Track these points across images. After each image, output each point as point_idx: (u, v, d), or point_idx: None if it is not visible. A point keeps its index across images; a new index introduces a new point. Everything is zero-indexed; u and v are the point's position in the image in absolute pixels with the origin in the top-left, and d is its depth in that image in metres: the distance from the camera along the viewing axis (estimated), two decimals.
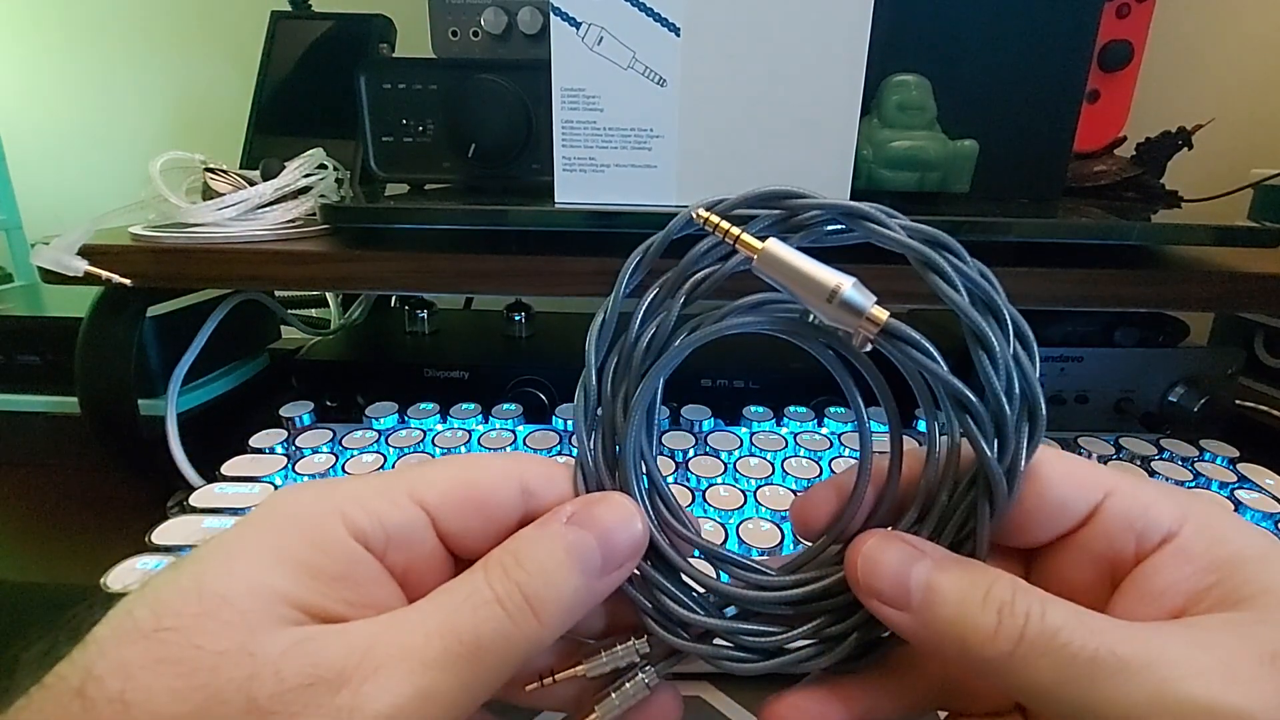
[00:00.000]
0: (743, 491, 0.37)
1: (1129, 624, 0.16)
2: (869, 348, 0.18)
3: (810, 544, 0.22)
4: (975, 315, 0.18)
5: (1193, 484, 0.40)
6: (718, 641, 0.20)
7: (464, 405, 0.46)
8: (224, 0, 0.71)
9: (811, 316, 0.20)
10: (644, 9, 0.35)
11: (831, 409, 0.46)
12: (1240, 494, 0.39)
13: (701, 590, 0.21)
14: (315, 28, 0.56)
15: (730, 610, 0.21)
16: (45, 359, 0.47)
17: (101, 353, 0.40)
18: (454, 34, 0.48)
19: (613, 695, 0.20)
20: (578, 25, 0.35)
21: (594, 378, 0.21)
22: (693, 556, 0.21)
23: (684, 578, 0.21)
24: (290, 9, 0.57)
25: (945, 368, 0.18)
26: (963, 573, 0.18)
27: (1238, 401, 0.52)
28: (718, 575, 0.21)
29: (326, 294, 0.65)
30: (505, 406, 0.45)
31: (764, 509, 0.36)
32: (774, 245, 0.18)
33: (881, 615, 0.18)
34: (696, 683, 0.29)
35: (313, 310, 0.70)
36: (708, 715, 0.28)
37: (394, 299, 0.67)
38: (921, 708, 0.21)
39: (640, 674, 0.20)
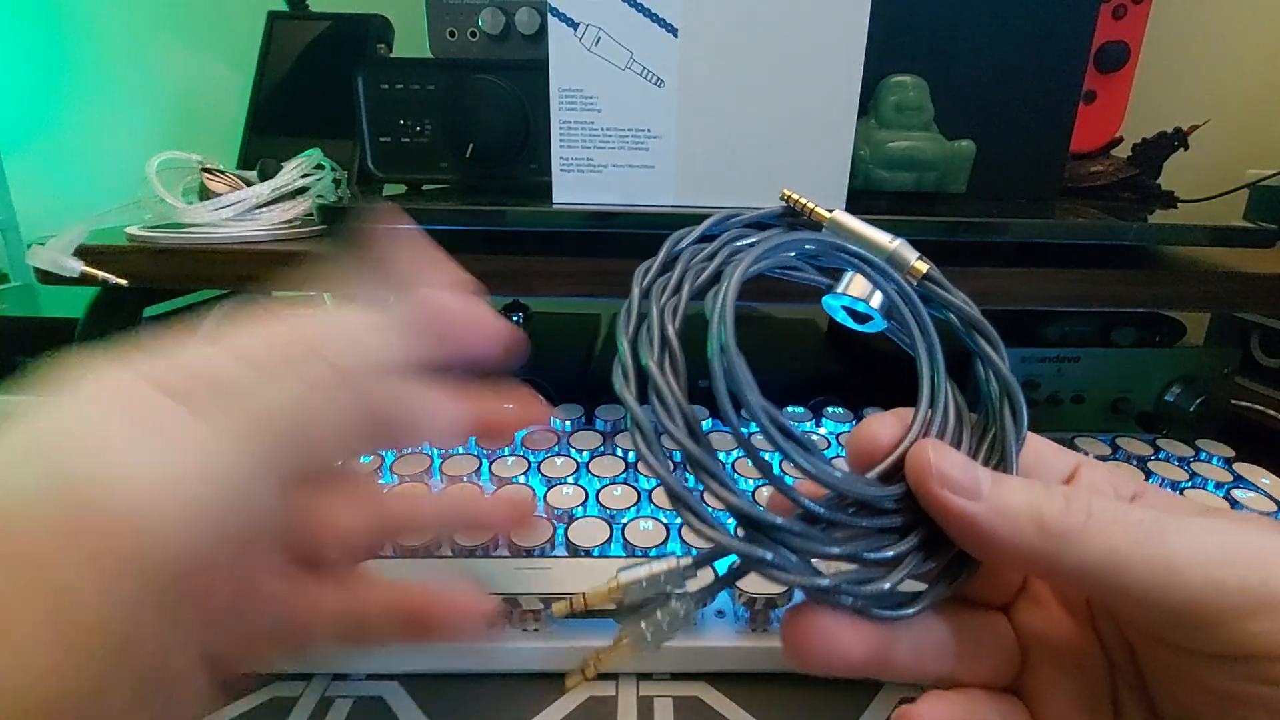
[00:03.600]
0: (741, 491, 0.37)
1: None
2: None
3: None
4: (976, 314, 0.22)
5: (1189, 484, 0.40)
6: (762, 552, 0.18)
7: None
8: (221, 0, 0.71)
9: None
10: (642, 9, 0.35)
11: (829, 409, 0.46)
12: (1236, 494, 0.39)
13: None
14: (312, 28, 0.56)
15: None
16: (42, 360, 0.47)
17: (98, 354, 0.40)
18: (451, 34, 0.48)
19: (642, 624, 0.18)
20: (575, 26, 0.35)
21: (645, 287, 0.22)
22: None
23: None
24: (287, 9, 0.57)
25: (970, 304, 0.22)
26: (1014, 477, 0.19)
27: (1234, 401, 0.52)
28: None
29: (324, 294, 0.65)
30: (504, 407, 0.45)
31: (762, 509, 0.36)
32: (840, 214, 0.24)
33: (952, 506, 0.18)
34: (695, 683, 0.29)
35: None
36: (707, 715, 0.28)
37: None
38: (926, 669, 0.20)
39: (674, 600, 0.18)
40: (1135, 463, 0.42)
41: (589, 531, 0.32)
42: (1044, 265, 0.36)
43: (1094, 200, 0.53)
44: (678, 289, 0.21)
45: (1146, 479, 0.40)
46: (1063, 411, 0.48)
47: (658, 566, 0.19)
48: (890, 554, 0.18)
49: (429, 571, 0.30)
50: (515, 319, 0.58)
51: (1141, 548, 0.16)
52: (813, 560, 0.18)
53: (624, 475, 0.38)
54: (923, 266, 0.23)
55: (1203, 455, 0.43)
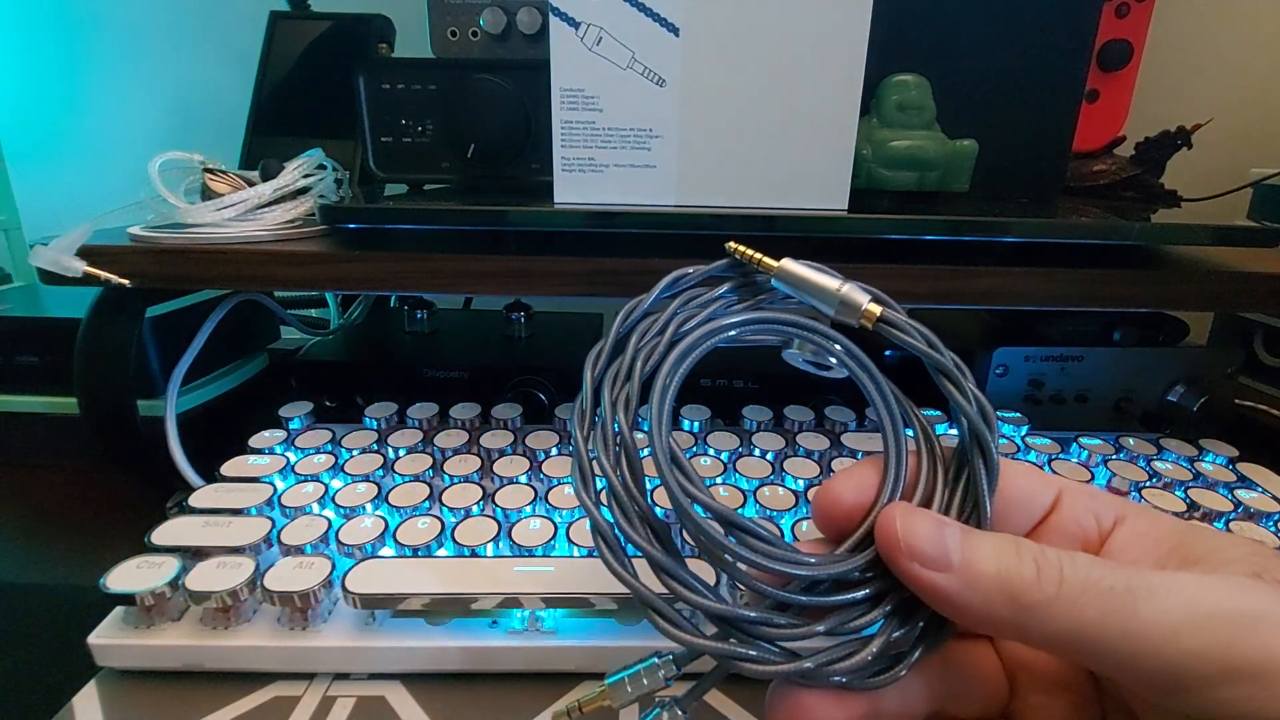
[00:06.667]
0: (743, 491, 0.37)
1: (1139, 568, 0.17)
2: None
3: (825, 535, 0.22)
4: (937, 356, 0.21)
5: (1192, 484, 0.40)
6: (732, 642, 0.18)
7: (464, 405, 0.46)
8: (223, 0, 0.71)
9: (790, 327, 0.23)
10: (643, 9, 0.35)
11: (830, 409, 0.46)
12: (1240, 494, 0.39)
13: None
14: (314, 28, 0.56)
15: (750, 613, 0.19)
16: (44, 360, 0.47)
17: (100, 353, 0.40)
18: (453, 34, 0.48)
19: (627, 685, 0.19)
20: (577, 25, 0.35)
21: (593, 380, 0.21)
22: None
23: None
24: (289, 9, 0.57)
25: (928, 346, 0.21)
26: (987, 534, 0.19)
27: (1237, 401, 0.52)
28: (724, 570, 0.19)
29: (326, 294, 0.65)
30: (505, 406, 0.45)
31: (764, 509, 0.36)
32: (789, 262, 0.23)
33: (923, 580, 0.18)
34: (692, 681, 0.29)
35: (312, 310, 0.70)
36: (707, 715, 0.28)
37: (393, 299, 0.67)
38: (916, 713, 0.20)
39: (665, 710, 0.19)
40: (1139, 462, 0.42)
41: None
42: (1047, 265, 0.36)
43: (1097, 199, 0.53)
44: (629, 375, 0.21)
45: (1150, 479, 0.40)
46: (1066, 411, 0.48)
47: (641, 669, 0.19)
48: (868, 624, 0.19)
49: (429, 570, 0.30)
50: (516, 319, 0.58)
51: (1112, 619, 0.16)
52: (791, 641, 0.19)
53: None
54: (876, 310, 0.21)
55: (1206, 455, 0.43)
